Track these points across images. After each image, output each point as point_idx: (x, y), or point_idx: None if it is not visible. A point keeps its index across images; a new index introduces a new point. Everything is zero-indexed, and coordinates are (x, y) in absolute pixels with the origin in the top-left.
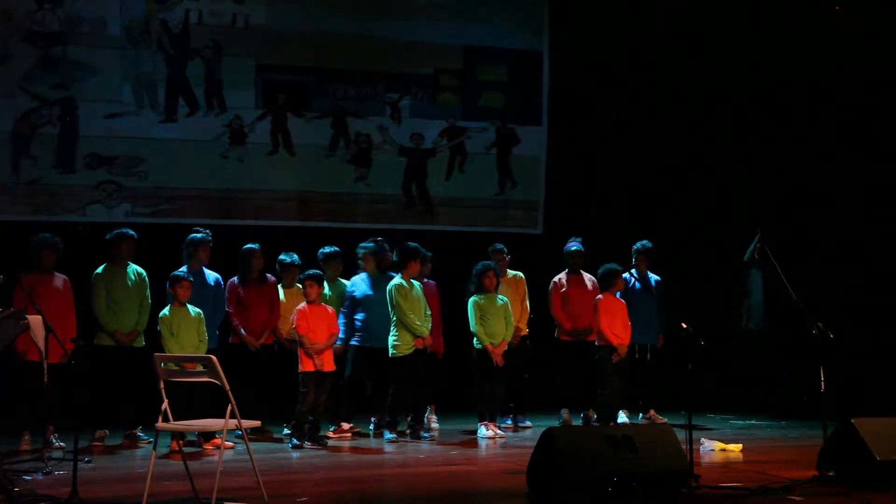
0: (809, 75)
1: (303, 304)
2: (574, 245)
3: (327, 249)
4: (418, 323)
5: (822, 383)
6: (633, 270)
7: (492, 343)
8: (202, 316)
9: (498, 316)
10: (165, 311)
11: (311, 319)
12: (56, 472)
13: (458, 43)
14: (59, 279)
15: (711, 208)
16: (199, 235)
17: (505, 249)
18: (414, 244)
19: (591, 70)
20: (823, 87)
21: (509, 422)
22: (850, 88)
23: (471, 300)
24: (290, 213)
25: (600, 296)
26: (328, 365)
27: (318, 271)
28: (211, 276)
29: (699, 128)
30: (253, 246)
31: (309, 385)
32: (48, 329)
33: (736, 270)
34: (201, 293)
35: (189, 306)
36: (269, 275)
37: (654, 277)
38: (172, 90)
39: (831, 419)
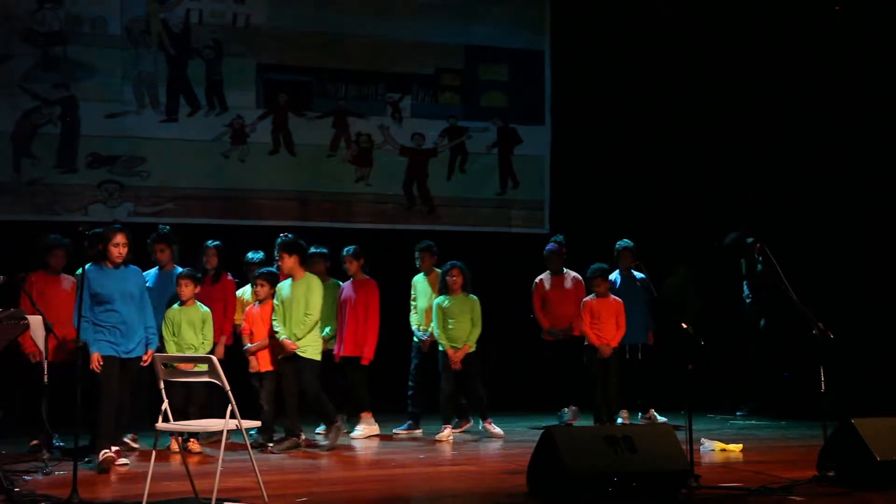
0: (811, 74)
1: (253, 305)
2: (549, 245)
3: (312, 250)
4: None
5: (822, 383)
6: (618, 270)
7: (452, 347)
8: (209, 316)
9: (463, 318)
10: (170, 310)
11: (255, 320)
12: (56, 472)
13: (460, 42)
14: (68, 281)
15: (716, 206)
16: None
17: (433, 247)
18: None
19: (593, 69)
20: (823, 86)
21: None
22: (851, 87)
23: (434, 302)
24: (290, 213)
25: (587, 297)
26: (263, 365)
27: (271, 269)
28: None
29: (703, 125)
30: (206, 243)
31: (255, 387)
32: (48, 329)
33: (719, 258)
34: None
35: (199, 305)
36: (228, 274)
37: (638, 275)
38: (173, 90)
39: (831, 419)
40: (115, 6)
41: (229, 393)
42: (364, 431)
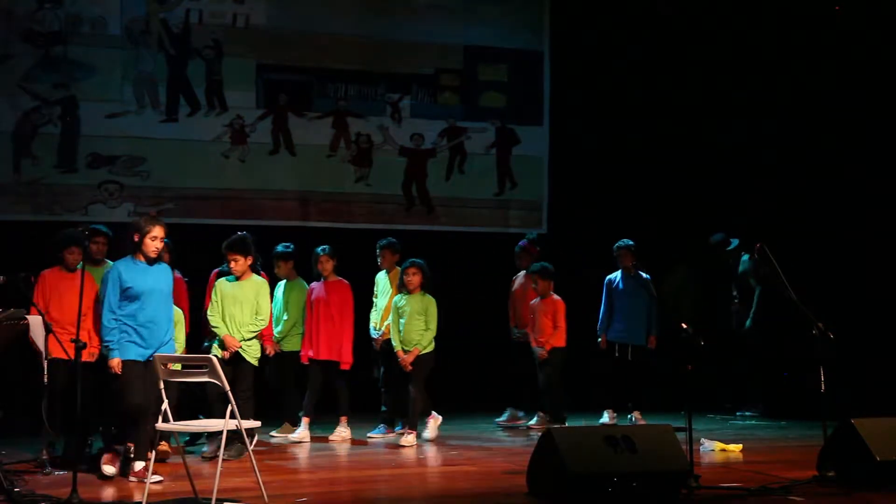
0: (810, 74)
1: None
2: (520, 242)
3: (279, 248)
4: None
5: (822, 383)
6: (619, 270)
7: (403, 349)
8: (182, 317)
9: (415, 319)
10: None
11: None
12: (56, 472)
13: (459, 43)
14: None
15: (714, 207)
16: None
17: (395, 244)
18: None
19: (592, 69)
20: (823, 87)
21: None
22: (850, 88)
23: (394, 300)
24: (290, 213)
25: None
26: None
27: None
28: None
29: (701, 126)
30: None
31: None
32: (48, 329)
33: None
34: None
35: None
36: (177, 271)
37: (643, 276)
38: (173, 90)
39: (831, 419)
40: (115, 6)
41: (229, 393)
42: (341, 435)
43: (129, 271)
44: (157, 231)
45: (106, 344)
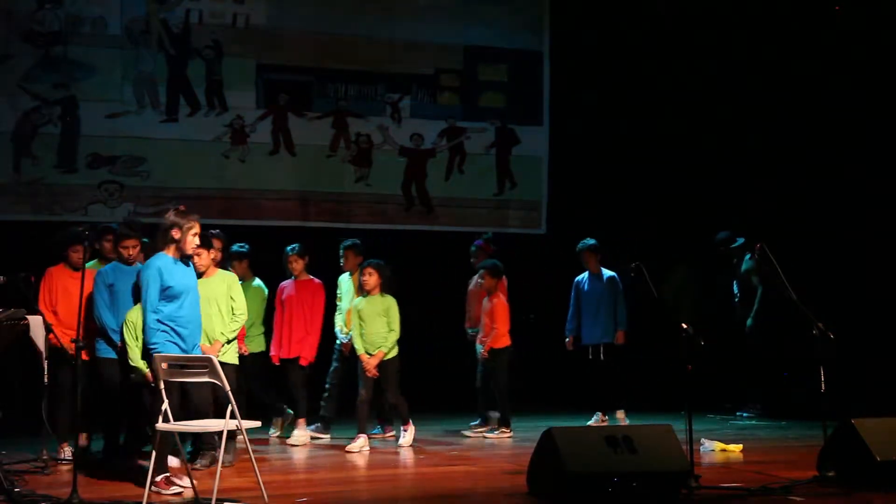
0: (809, 75)
1: None
2: (476, 241)
3: (235, 248)
4: None
5: (822, 383)
6: (586, 272)
7: (366, 353)
8: None
9: (376, 321)
10: (131, 311)
11: None
12: (56, 472)
13: (459, 43)
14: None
15: (714, 207)
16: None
17: (359, 245)
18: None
19: (592, 69)
20: (823, 87)
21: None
22: (850, 87)
23: (353, 302)
24: (290, 213)
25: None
26: None
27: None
28: None
29: (701, 126)
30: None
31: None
32: (48, 329)
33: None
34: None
35: None
36: None
37: (607, 274)
38: (173, 90)
39: (831, 419)
40: (115, 6)
41: (230, 393)
42: (299, 438)
43: (168, 269)
44: (198, 227)
45: (151, 347)
